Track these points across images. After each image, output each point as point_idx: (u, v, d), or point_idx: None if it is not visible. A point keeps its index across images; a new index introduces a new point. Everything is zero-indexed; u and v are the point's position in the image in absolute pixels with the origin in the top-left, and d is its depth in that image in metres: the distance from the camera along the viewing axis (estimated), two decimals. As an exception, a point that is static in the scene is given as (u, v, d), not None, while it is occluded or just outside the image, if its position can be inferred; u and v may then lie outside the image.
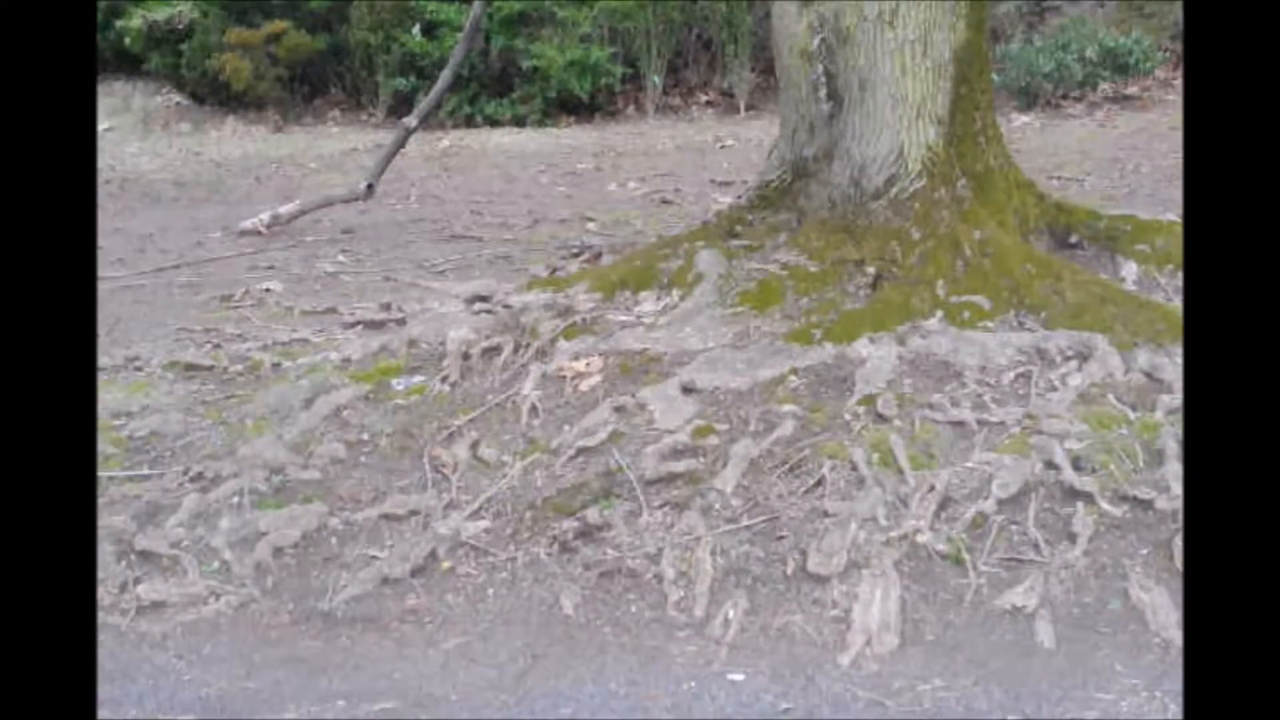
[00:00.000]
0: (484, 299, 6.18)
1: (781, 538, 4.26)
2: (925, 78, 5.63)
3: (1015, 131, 11.31)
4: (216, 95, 13.86)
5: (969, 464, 4.50)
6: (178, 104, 14.37)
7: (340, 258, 7.99)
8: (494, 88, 13.40)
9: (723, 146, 11.95)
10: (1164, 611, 3.88)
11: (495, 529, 4.46)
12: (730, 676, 3.75)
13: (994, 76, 10.12)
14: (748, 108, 13.47)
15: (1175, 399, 4.73)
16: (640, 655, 3.88)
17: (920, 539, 4.19)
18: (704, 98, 13.94)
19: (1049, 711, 3.54)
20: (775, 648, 3.87)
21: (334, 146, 12.41)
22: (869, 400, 4.82)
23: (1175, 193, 8.88)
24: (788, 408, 4.83)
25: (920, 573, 4.10)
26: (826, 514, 4.31)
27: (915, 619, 3.95)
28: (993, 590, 4.04)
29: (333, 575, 4.30)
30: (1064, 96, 12.89)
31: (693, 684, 3.72)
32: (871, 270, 5.49)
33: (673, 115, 13.58)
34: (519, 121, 13.22)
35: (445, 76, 9.45)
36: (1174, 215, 6.73)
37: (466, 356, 5.44)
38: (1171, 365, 4.93)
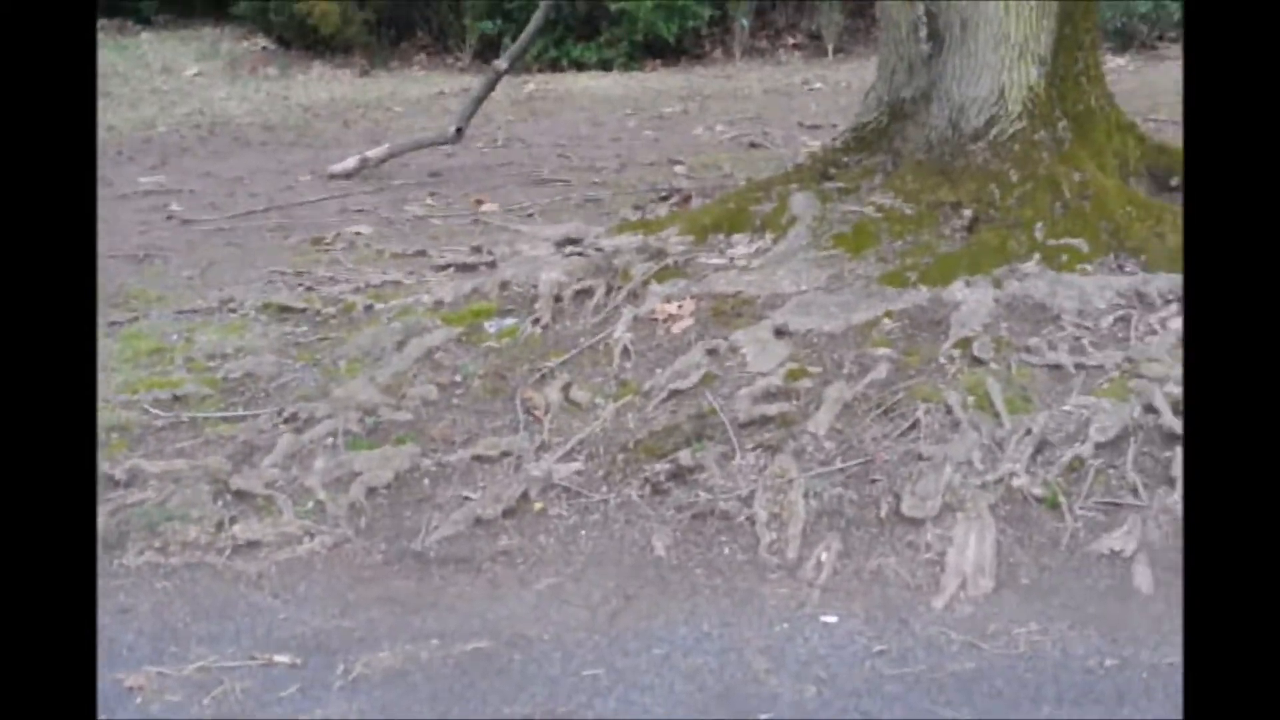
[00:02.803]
0: (574, 242, 6.16)
1: (875, 480, 4.23)
2: (1029, 17, 5.51)
3: (1111, 73, 11.00)
4: (303, 39, 13.90)
5: (1066, 408, 4.44)
6: (265, 48, 14.42)
7: (429, 200, 7.99)
8: (580, 31, 13.33)
9: (811, 89, 11.83)
10: (1268, 558, 3.82)
11: (587, 471, 4.46)
12: (823, 619, 3.74)
13: (1089, 17, 9.94)
14: (836, 50, 13.32)
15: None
16: (733, 597, 3.87)
17: (1016, 483, 4.15)
18: (791, 40, 13.79)
19: (1146, 656, 3.50)
20: (869, 590, 3.86)
21: (420, 90, 12.40)
22: (964, 343, 4.77)
23: (1276, 135, 8.69)
24: (882, 350, 4.79)
25: (1016, 516, 4.07)
26: (921, 457, 4.28)
27: (1010, 563, 3.92)
28: (1089, 534, 4.01)
29: (426, 516, 4.32)
30: (1160, 38, 12.66)
31: (785, 626, 3.72)
32: (968, 212, 5.41)
33: (760, 58, 13.46)
34: (605, 65, 13.15)
35: (536, 19, 9.41)
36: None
37: (558, 299, 5.43)
38: (1275, 309, 4.83)
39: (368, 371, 5.07)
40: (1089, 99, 5.81)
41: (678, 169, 8.62)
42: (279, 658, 3.66)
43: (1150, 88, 10.77)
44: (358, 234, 7.21)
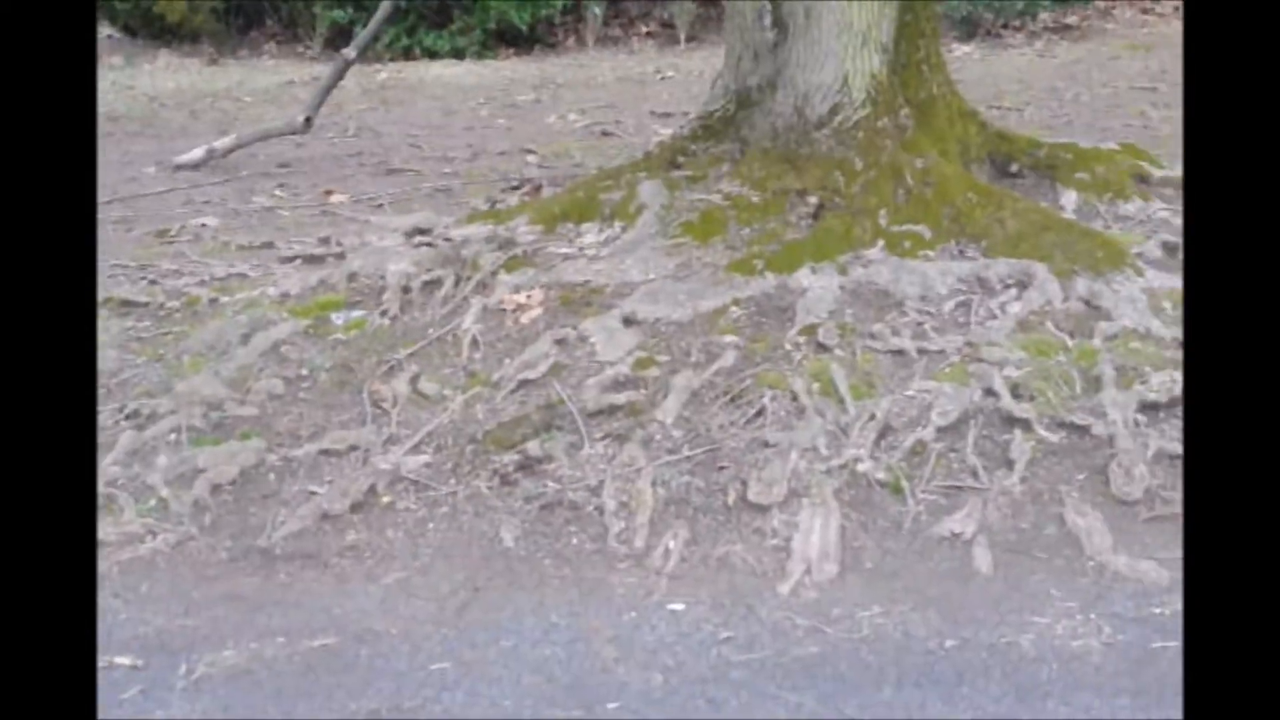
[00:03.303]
0: (424, 232, 6.11)
1: (722, 468, 4.26)
2: (870, 5, 5.58)
3: (956, 61, 11.27)
4: (149, 28, 13.65)
5: (909, 392, 4.51)
6: (110, 37, 14.14)
7: (277, 192, 7.89)
8: (432, 19, 13.24)
9: (663, 78, 11.86)
10: (1099, 536, 3.92)
11: (435, 463, 4.43)
12: (670, 606, 3.76)
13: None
14: (688, 39, 13.37)
15: (1112, 326, 4.77)
16: (581, 587, 3.88)
17: (860, 468, 4.21)
18: (644, 29, 13.83)
19: (985, 636, 3.57)
20: (716, 577, 3.89)
21: (270, 80, 12.23)
22: (810, 330, 4.82)
23: (1114, 122, 8.91)
24: (729, 338, 4.82)
25: (860, 501, 4.13)
26: (767, 444, 4.31)
27: (854, 547, 3.97)
28: (931, 517, 4.07)
29: (271, 512, 4.27)
30: (1004, 26, 12.89)
31: (633, 614, 3.73)
32: (814, 200, 5.47)
33: (613, 47, 13.48)
34: (458, 54, 13.06)
35: (384, 7, 9.31)
36: (1113, 144, 6.75)
37: (406, 290, 5.39)
38: (1109, 292, 4.95)
39: (212, 366, 4.99)
40: (931, 86, 5.91)
41: (529, 158, 8.59)
42: (120, 659, 3.59)
43: (995, 76, 10.98)
44: (203, 226, 7.09)
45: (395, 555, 4.08)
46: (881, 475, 4.18)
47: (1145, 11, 13.60)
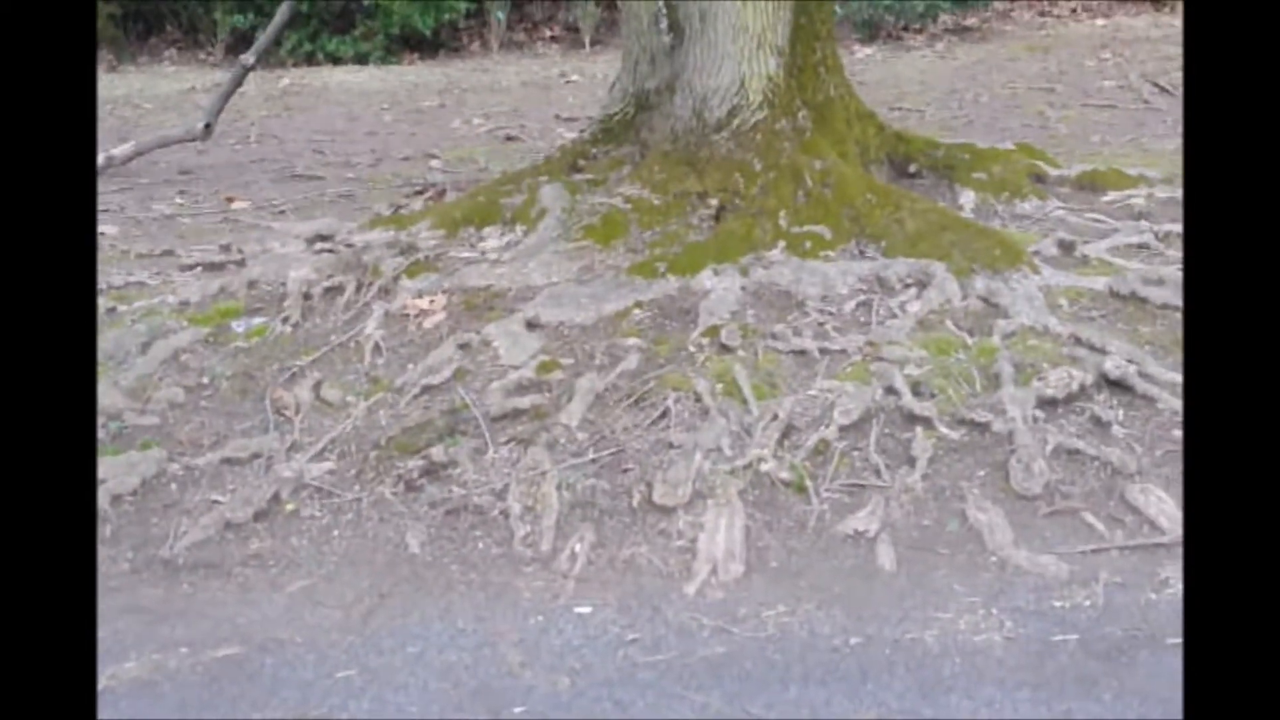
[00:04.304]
0: (326, 238, 6.09)
1: (627, 470, 4.27)
2: (765, 8, 5.64)
3: (858, 64, 11.41)
4: (47, 35, 13.48)
5: (811, 392, 4.55)
6: (6, 44, 13.92)
7: (178, 199, 7.82)
8: (335, 24, 13.18)
9: (568, 82, 11.88)
10: (1000, 531, 3.97)
11: (339, 470, 4.41)
12: (577, 610, 3.76)
13: (836, 9, 10.20)
14: (593, 42, 13.41)
15: (1010, 323, 4.83)
16: (487, 591, 3.87)
17: (764, 467, 4.23)
18: (549, 33, 13.85)
19: (890, 632, 3.60)
20: (622, 580, 3.89)
21: (170, 86, 12.13)
22: (713, 331, 4.85)
23: (1012, 122, 9.03)
24: (632, 341, 4.84)
25: (764, 501, 4.15)
26: (671, 445, 4.33)
27: (759, 547, 3.99)
28: (835, 516, 4.10)
29: (173, 522, 4.23)
30: (905, 28, 13.03)
31: (540, 618, 3.73)
32: (714, 202, 5.50)
33: (518, 51, 13.48)
34: (361, 59, 13.02)
35: (282, 12, 9.25)
36: (1010, 144, 6.84)
37: (308, 296, 5.36)
38: (1006, 290, 5.02)
39: (111, 376, 4.94)
40: (828, 88, 5.96)
41: (433, 163, 8.58)
42: (18, 675, 3.54)
43: (896, 77, 11.08)
44: (102, 234, 7.00)
45: (300, 563, 4.05)
46: (785, 475, 4.21)
47: (1043, 14, 13.80)
